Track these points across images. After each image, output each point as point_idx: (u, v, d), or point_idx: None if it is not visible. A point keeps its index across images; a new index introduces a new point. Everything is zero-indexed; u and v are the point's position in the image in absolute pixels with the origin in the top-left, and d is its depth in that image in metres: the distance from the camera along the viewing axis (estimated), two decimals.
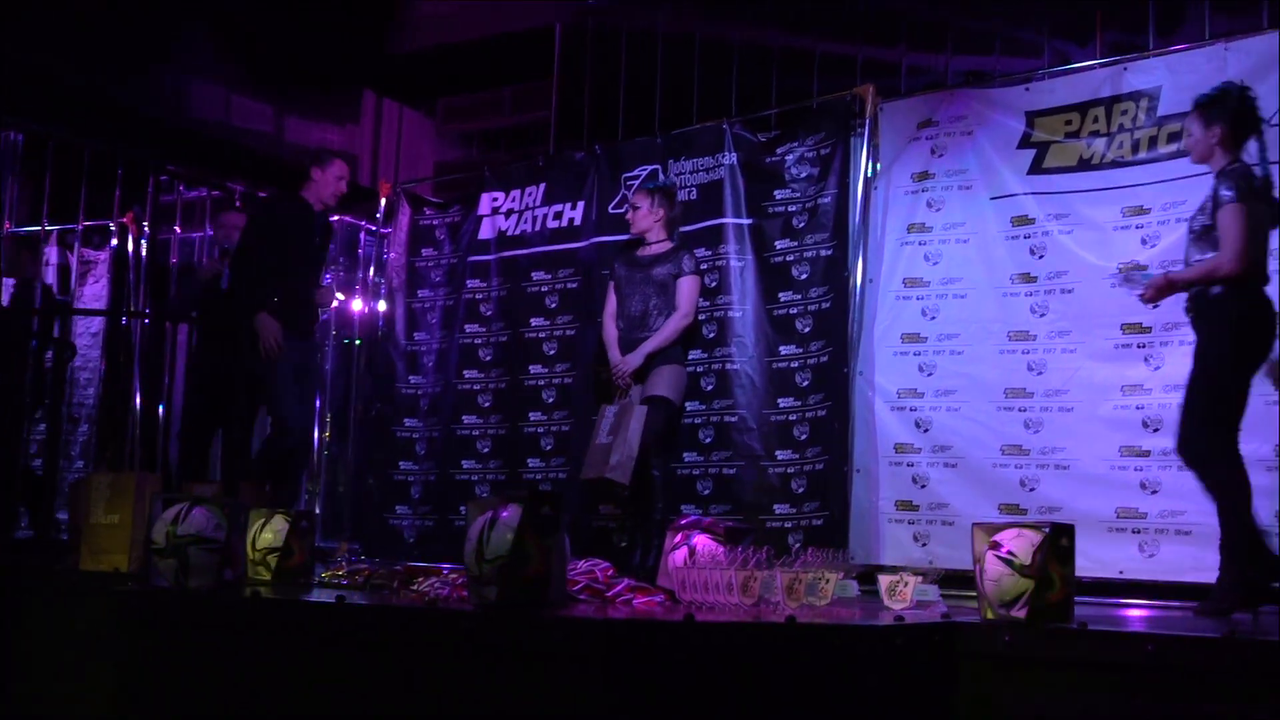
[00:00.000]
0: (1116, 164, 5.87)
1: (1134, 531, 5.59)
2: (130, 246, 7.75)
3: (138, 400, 7.94)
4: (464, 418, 7.64)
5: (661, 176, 6.93)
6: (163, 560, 4.32)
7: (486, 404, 7.61)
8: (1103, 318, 5.80)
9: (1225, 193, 4.70)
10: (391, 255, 8.20)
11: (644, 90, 7.65)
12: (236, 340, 6.76)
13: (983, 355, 6.09)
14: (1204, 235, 4.79)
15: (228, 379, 6.86)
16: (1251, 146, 4.82)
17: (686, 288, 6.28)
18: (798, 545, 5.87)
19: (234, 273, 6.81)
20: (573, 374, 7.24)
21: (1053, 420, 5.86)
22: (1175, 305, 5.58)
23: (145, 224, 8.02)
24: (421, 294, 8.07)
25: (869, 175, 6.43)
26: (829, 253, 6.44)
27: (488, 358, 7.67)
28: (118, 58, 8.88)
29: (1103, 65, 6.05)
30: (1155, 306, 5.17)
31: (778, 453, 6.47)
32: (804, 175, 6.61)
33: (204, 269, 7.41)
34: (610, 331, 6.38)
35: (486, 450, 7.53)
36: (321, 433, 9.10)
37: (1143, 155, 5.80)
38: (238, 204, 8.21)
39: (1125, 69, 5.92)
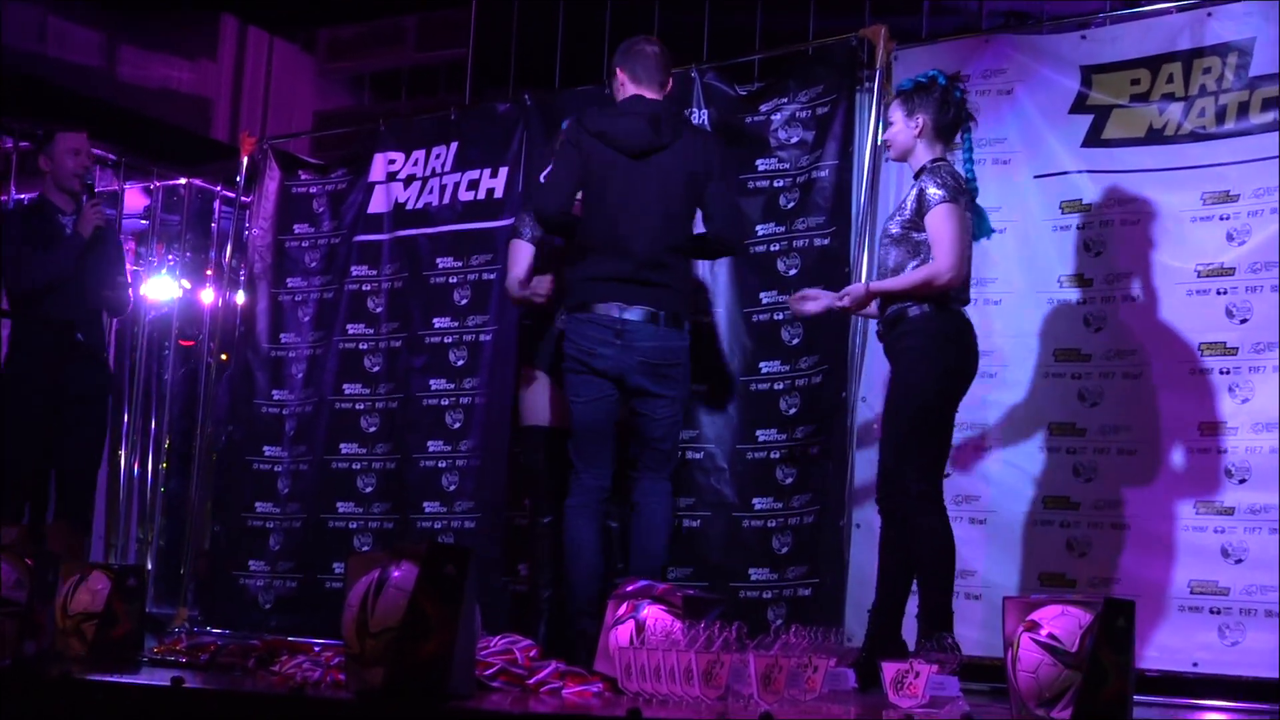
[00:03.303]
0: (1196, 136, 5.92)
1: (1212, 611, 5.63)
2: None
3: None
4: (341, 446, 7.62)
5: None
6: None
7: (371, 428, 7.59)
8: (1176, 335, 5.86)
9: (935, 191, 5.27)
10: (254, 232, 8.16)
11: (590, 24, 7.65)
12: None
13: (1021, 379, 6.13)
14: (904, 240, 5.35)
15: (68, 388, 6.83)
16: (958, 144, 5.48)
17: None
18: (779, 622, 5.88)
19: None
20: (486, 392, 7.23)
21: (1110, 466, 5.91)
22: (1269, 321, 5.64)
23: None
24: (292, 283, 8.03)
25: (879, 143, 6.46)
26: (825, 242, 6.46)
27: (375, 368, 7.64)
28: None
29: (1181, 9, 6.10)
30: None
31: (755, 501, 6.49)
32: (795, 141, 6.64)
33: (86, 219, 7.02)
34: (518, 290, 6.28)
35: (370, 489, 7.50)
36: (157, 464, 9.04)
37: (1230, 126, 5.85)
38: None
39: (1210, 15, 5.97)
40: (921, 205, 5.28)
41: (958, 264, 5.21)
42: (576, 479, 5.72)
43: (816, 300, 5.63)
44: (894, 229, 5.39)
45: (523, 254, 6.38)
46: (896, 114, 5.48)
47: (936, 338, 5.27)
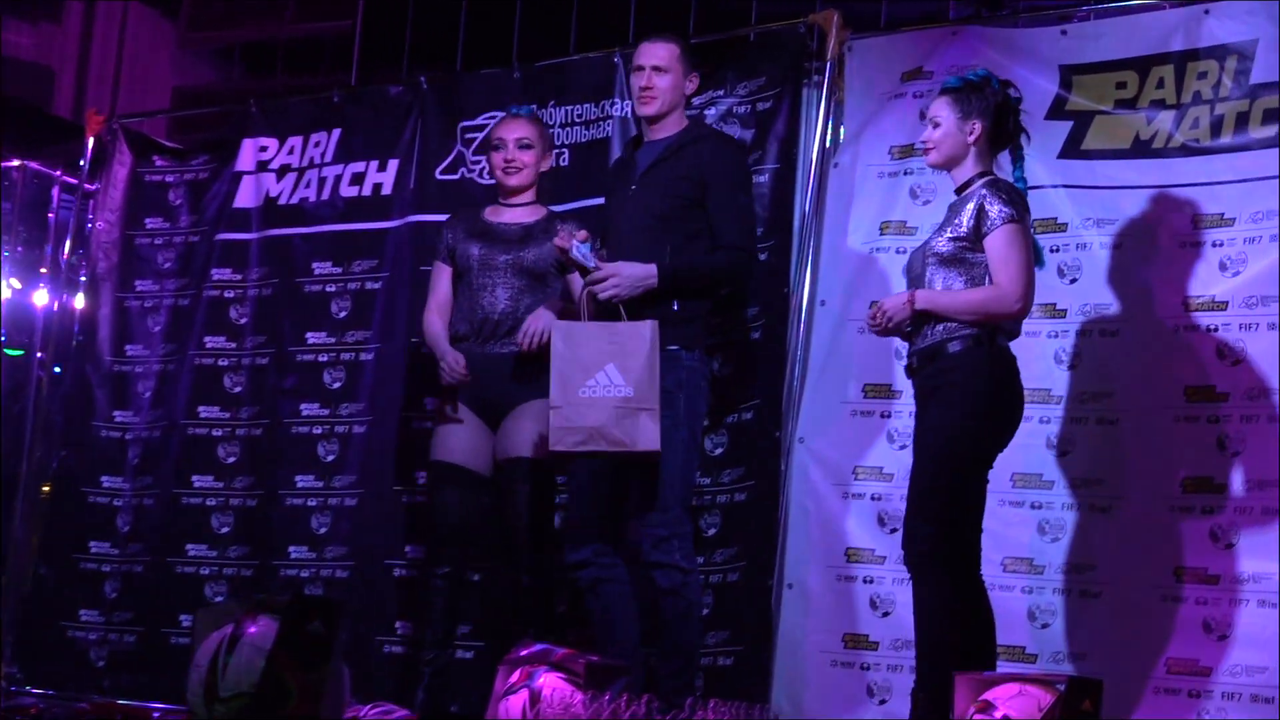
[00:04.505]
0: (1188, 150, 5.96)
1: (1190, 694, 5.67)
2: None
3: None
4: (194, 478, 7.58)
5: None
6: None
7: (230, 459, 7.54)
8: (1159, 376, 5.89)
9: (1002, 209, 5.25)
10: (99, 225, 8.11)
11: None
12: None
13: None
14: (956, 261, 5.32)
15: None
16: (1004, 159, 5.51)
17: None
18: (696, 694, 5.89)
19: None
20: (365, 419, 7.21)
21: (1081, 524, 5.94)
22: (1265, 364, 5.70)
23: None
24: (141, 286, 7.99)
25: (827, 145, 6.50)
26: (763, 257, 6.49)
27: (237, 389, 7.60)
28: None
29: (1175, 4, 6.17)
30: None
31: None
32: None
33: None
34: (434, 326, 6.33)
35: (227, 530, 7.46)
36: None
37: (1226, 139, 5.90)
38: None
39: (1207, 12, 6.02)
40: (981, 223, 5.24)
41: (1026, 291, 5.22)
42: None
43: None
44: (943, 247, 5.33)
45: (442, 278, 6.39)
46: (944, 113, 5.41)
47: (983, 377, 5.27)
